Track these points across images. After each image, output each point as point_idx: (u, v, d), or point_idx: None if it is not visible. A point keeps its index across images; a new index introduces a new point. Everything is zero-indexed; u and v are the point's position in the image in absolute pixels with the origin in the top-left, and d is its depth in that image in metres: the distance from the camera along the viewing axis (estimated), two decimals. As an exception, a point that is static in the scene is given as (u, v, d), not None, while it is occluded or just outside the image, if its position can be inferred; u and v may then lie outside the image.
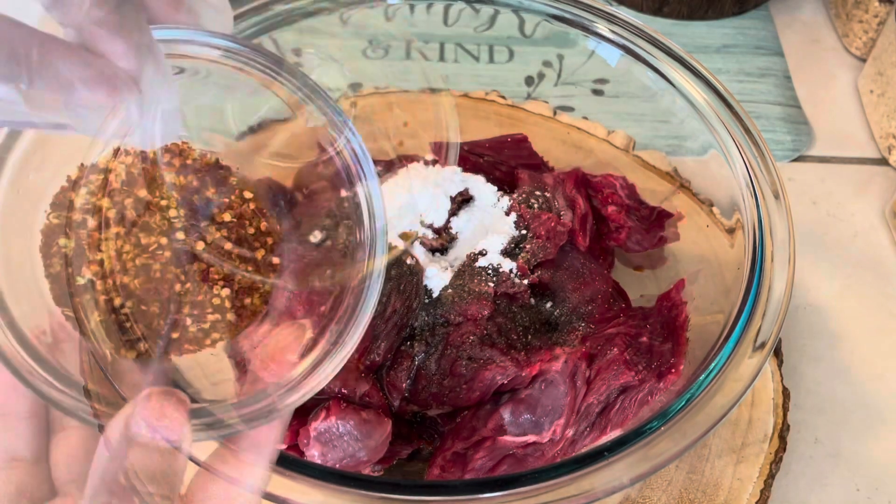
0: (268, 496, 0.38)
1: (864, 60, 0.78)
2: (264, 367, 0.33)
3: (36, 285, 0.33)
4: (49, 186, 0.33)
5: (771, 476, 0.51)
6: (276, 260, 0.35)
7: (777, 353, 0.57)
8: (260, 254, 0.34)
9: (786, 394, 0.55)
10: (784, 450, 0.52)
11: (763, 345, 0.42)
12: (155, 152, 0.34)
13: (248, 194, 0.35)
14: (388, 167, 0.58)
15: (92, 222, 0.32)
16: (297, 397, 0.31)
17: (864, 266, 0.65)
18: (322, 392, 0.44)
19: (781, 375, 0.55)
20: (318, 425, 0.43)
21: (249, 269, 0.34)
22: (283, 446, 0.44)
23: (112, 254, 0.32)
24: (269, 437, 0.31)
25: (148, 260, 0.33)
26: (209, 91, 0.37)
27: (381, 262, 0.34)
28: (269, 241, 0.35)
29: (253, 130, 0.40)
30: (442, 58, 0.74)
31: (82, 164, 0.33)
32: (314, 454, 0.43)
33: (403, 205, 0.52)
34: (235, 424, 0.30)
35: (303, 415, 0.44)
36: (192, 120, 0.37)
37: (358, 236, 0.35)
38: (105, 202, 0.32)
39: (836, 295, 0.63)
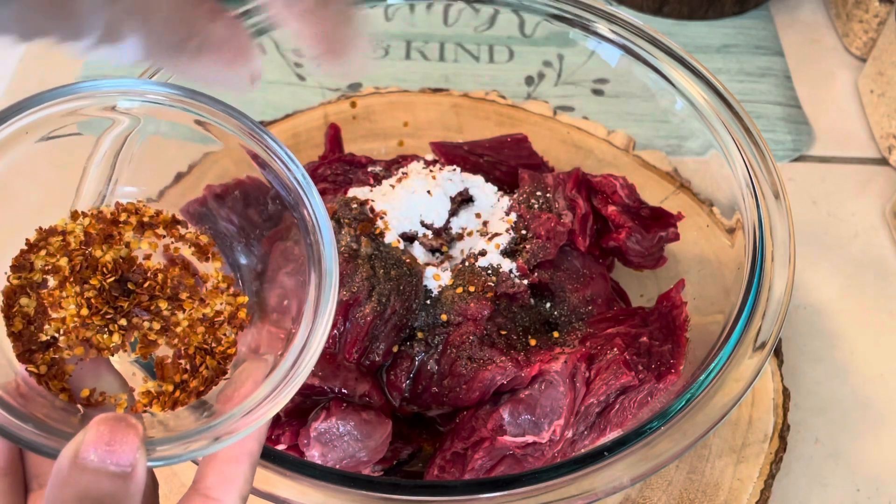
0: (268, 496, 0.38)
1: (864, 60, 0.78)
2: (226, 401, 0.33)
3: None
4: (7, 250, 0.34)
5: (771, 476, 0.51)
6: (245, 316, 0.36)
7: (777, 353, 0.57)
8: (229, 341, 0.35)
9: (786, 394, 0.55)
10: (784, 450, 0.52)
11: (763, 345, 0.42)
12: (112, 212, 0.36)
13: (203, 238, 0.37)
14: (388, 167, 0.58)
15: (52, 282, 0.34)
16: (254, 419, 0.31)
17: (864, 266, 0.65)
18: (322, 392, 0.45)
19: (782, 375, 0.55)
20: (318, 425, 0.43)
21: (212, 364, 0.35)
22: (286, 450, 0.44)
23: (73, 311, 0.33)
24: (237, 473, 0.31)
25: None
26: (149, 142, 0.38)
27: (333, 280, 0.34)
28: (238, 315, 0.36)
29: (182, 174, 0.41)
30: (442, 58, 0.74)
31: (40, 228, 0.35)
32: (314, 454, 0.43)
33: (403, 205, 0.52)
34: (199, 447, 0.30)
35: (303, 415, 0.44)
36: (140, 175, 0.39)
37: (308, 259, 0.35)
38: (64, 262, 0.34)
39: (836, 295, 0.63)
